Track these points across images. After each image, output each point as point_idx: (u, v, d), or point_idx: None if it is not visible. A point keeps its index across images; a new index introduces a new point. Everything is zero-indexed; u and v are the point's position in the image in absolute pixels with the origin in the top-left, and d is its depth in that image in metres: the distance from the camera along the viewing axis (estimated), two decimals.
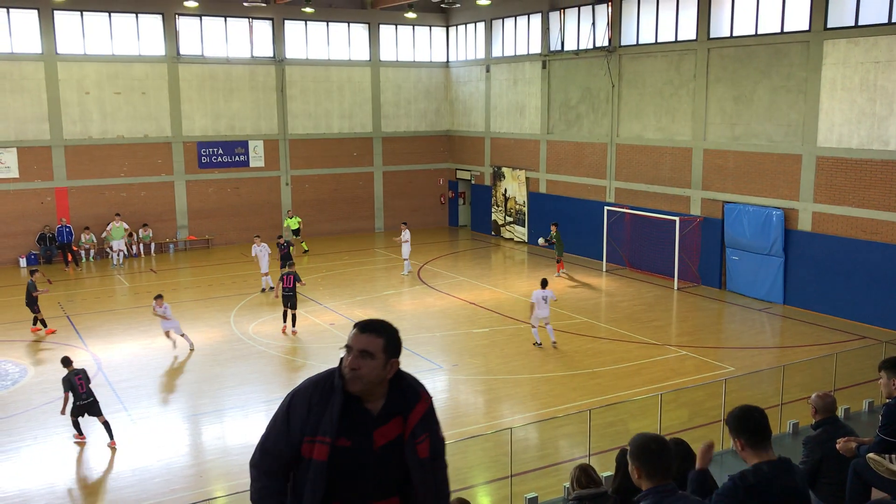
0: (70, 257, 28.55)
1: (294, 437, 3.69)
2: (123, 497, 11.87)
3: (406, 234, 26.59)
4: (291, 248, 25.22)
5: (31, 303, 19.99)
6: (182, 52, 30.73)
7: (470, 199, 36.37)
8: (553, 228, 26.45)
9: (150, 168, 30.80)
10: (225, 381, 16.81)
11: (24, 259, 28.59)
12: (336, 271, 27.42)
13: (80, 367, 14.09)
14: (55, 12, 28.40)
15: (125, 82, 29.98)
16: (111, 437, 13.52)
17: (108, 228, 29.08)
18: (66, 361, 13.91)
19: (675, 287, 24.25)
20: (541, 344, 18.47)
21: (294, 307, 20.03)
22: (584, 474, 6.93)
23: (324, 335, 19.92)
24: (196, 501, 11.39)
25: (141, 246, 30.18)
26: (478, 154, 35.16)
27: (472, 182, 35.78)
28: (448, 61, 36.36)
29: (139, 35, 30.02)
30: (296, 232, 30.55)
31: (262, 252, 24.56)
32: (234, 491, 12.04)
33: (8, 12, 27.78)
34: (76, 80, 29.17)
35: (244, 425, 14.71)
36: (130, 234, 29.72)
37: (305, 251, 30.61)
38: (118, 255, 28.78)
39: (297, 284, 20.14)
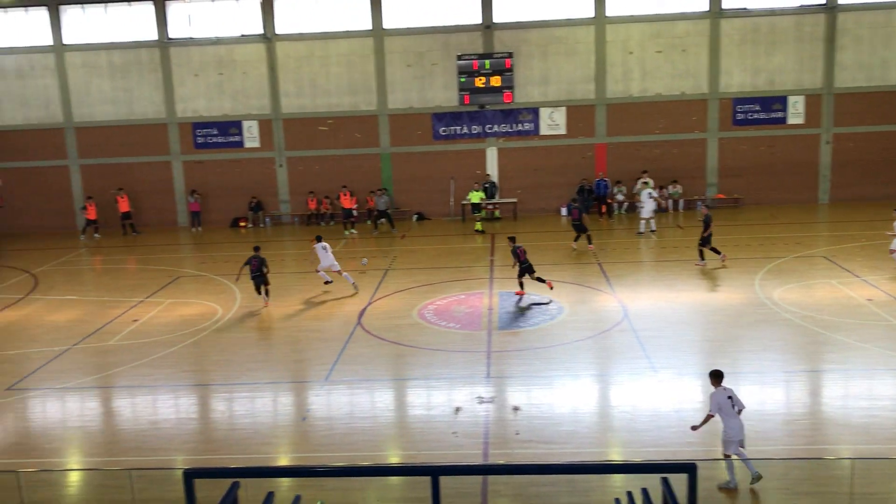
0: (604, 209, 30.68)
1: None
2: (640, 439, 12.44)
3: None
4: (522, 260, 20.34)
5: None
6: (724, 6, 30.20)
7: None
8: None
9: (684, 125, 31.15)
10: (744, 345, 16.38)
11: (565, 209, 31.54)
12: (877, 241, 24.45)
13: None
14: None
15: (666, 41, 30.64)
16: None
17: (636, 186, 30.24)
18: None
19: None
20: None
21: None
22: None
23: (859, 311, 17.98)
24: (700, 459, 11.38)
25: (670, 201, 30.91)
26: None
27: None
28: None
29: None
30: (475, 206, 29.85)
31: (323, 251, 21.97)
32: (761, 456, 11.73)
33: None
34: (621, 41, 30.78)
35: (760, 392, 14.17)
36: (661, 188, 30.51)
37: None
38: (644, 221, 28.19)
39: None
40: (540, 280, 20.19)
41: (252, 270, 20.31)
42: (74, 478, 12.37)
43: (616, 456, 12.20)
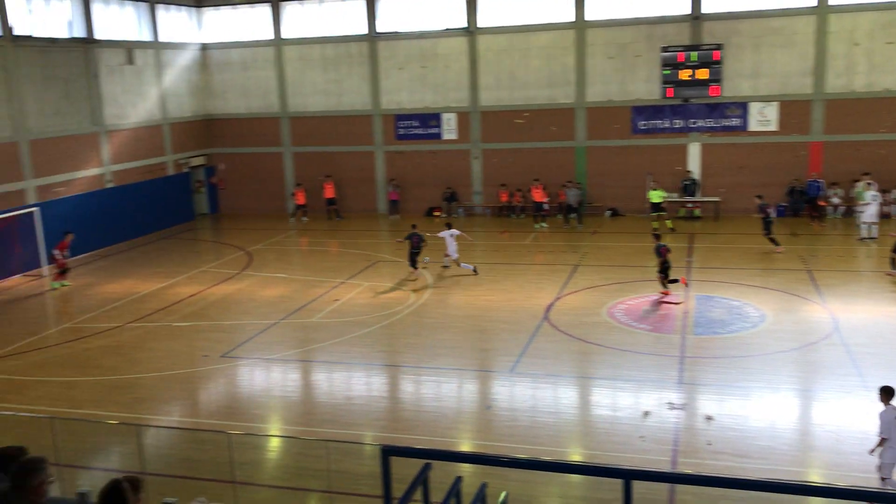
0: (816, 213, 28.46)
1: None
2: (847, 462, 11.47)
3: None
4: None
5: None
6: None
7: None
8: None
9: None
10: None
11: (773, 210, 29.52)
12: None
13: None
14: None
15: None
16: None
17: (857, 187, 27.73)
18: None
19: None
20: None
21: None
22: None
23: None
24: None
25: (894, 207, 28.11)
26: None
27: None
28: None
29: None
30: (655, 206, 28.42)
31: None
32: None
33: None
34: (847, 32, 28.37)
35: None
36: (885, 191, 27.68)
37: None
38: (866, 226, 25.39)
39: None
40: (667, 282, 19.91)
41: (413, 246, 22.21)
42: (276, 443, 13.26)
43: (817, 478, 11.34)
